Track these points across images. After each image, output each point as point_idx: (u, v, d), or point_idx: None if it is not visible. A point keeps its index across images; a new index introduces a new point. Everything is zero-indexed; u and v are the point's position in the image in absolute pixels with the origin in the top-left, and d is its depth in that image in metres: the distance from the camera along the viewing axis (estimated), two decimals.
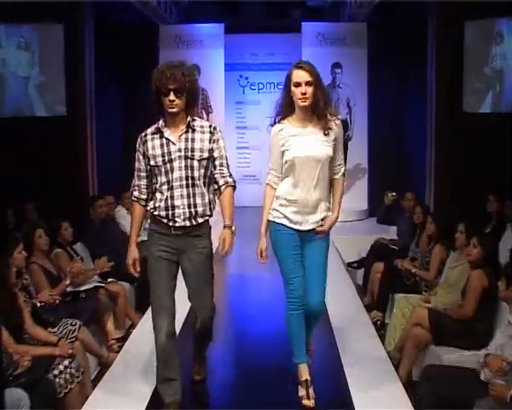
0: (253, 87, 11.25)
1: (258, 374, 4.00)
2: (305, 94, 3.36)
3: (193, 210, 3.37)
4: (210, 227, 3.51)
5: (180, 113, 3.35)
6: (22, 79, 8.00)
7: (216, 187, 3.47)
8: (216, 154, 3.43)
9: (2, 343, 3.43)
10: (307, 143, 3.42)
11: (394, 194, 7.22)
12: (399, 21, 9.52)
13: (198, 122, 3.44)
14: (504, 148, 7.29)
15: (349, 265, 6.88)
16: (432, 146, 8.68)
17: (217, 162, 3.44)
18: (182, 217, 3.36)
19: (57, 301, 4.47)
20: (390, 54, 9.85)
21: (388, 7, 8.74)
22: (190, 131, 3.39)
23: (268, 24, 10.17)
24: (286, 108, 3.47)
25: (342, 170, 3.58)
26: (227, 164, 3.49)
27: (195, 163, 3.36)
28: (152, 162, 3.38)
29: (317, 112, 3.41)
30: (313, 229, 3.49)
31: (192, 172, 3.36)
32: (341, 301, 5.39)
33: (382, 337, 4.81)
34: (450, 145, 8.18)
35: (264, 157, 13.16)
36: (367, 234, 7.82)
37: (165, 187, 3.37)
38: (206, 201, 3.41)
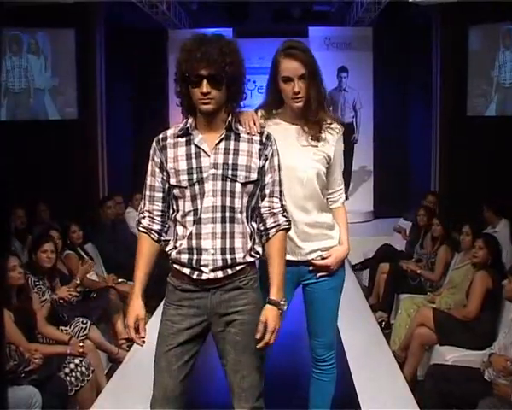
0: (260, 91, 11.23)
1: (265, 375, 4.03)
2: (298, 93, 2.53)
3: (228, 257, 2.29)
4: (257, 273, 2.40)
5: (218, 111, 2.28)
6: (35, 82, 8.10)
7: (262, 228, 2.37)
8: (268, 177, 2.35)
9: (15, 342, 3.52)
10: (288, 146, 2.56)
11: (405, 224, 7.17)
12: (404, 25, 9.57)
13: (242, 126, 2.36)
14: (508, 151, 7.32)
15: (353, 267, 6.92)
16: (436, 149, 8.71)
17: (267, 191, 2.35)
18: (211, 266, 2.28)
19: (75, 298, 4.53)
20: (395, 58, 9.88)
21: (393, 11, 8.77)
22: (233, 137, 2.32)
23: (275, 28, 10.21)
24: (272, 106, 2.67)
25: (343, 196, 2.78)
26: (280, 193, 2.38)
27: (238, 187, 2.28)
28: (173, 181, 2.31)
29: (308, 115, 2.57)
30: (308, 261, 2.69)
31: (232, 201, 2.28)
32: (347, 301, 5.42)
33: (387, 337, 4.85)
34: (455, 148, 8.21)
35: None
36: (372, 235, 7.86)
37: (190, 219, 2.29)
38: (249, 244, 2.33)
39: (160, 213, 2.39)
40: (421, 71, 9.48)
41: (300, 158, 2.59)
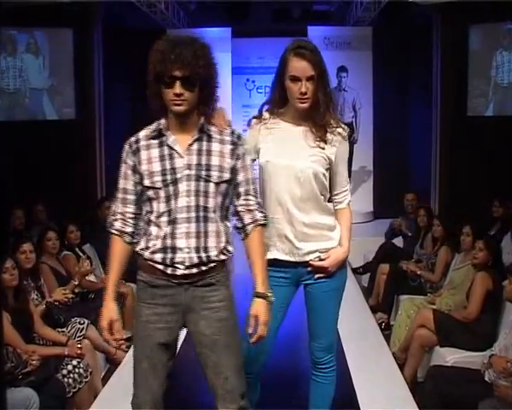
0: (259, 91, 11.29)
1: (265, 375, 4.03)
2: (305, 94, 2.51)
3: (203, 255, 2.33)
4: (228, 271, 2.48)
5: (190, 112, 2.30)
6: (33, 82, 8.09)
7: (239, 225, 2.44)
8: (241, 176, 2.40)
9: (12, 343, 3.50)
10: (291, 146, 2.60)
11: (399, 221, 7.18)
12: (404, 25, 9.56)
13: (214, 127, 2.38)
14: (508, 151, 7.31)
15: (354, 271, 6.89)
16: (437, 149, 8.70)
17: (241, 189, 2.40)
18: (187, 263, 2.32)
19: (70, 300, 4.52)
20: (395, 57, 9.88)
21: (393, 11, 8.77)
22: (205, 138, 2.35)
23: (275, 28, 10.21)
24: (276, 104, 2.66)
25: (348, 198, 2.74)
26: (254, 190, 2.44)
27: (211, 187, 2.33)
28: (147, 182, 2.33)
29: (315, 117, 2.57)
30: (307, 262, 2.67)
31: (206, 201, 2.32)
32: (347, 302, 5.41)
33: (387, 338, 4.84)
34: (455, 148, 8.21)
35: None
36: (372, 236, 7.84)
37: (164, 219, 2.32)
38: (223, 243, 2.37)
39: (132, 216, 2.42)
40: (421, 71, 9.47)
41: (299, 158, 2.58)
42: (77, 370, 3.73)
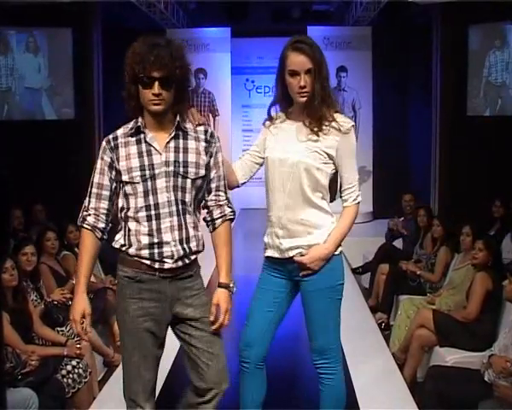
0: (259, 90, 11.31)
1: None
2: (304, 87, 2.53)
3: (186, 246, 2.43)
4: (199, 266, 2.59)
5: (167, 111, 2.40)
6: (31, 82, 8.09)
7: (209, 219, 2.56)
8: (213, 173, 2.51)
9: (11, 343, 3.49)
10: (286, 142, 2.64)
11: (396, 221, 7.19)
12: (404, 25, 9.56)
13: (190, 125, 2.49)
14: (508, 151, 7.31)
15: (353, 271, 6.89)
16: (436, 149, 8.71)
17: (213, 185, 2.52)
18: (175, 256, 2.41)
19: (69, 301, 4.52)
20: (395, 57, 9.88)
21: (393, 10, 8.78)
22: (182, 136, 2.45)
23: (274, 28, 10.22)
24: (282, 102, 2.71)
25: (353, 196, 2.65)
26: (225, 187, 2.57)
27: (188, 183, 2.43)
28: (125, 177, 2.39)
29: (309, 110, 2.57)
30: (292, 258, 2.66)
31: (183, 195, 2.42)
32: (346, 302, 5.41)
33: (387, 338, 4.84)
34: (455, 148, 8.21)
35: None
36: (372, 236, 7.85)
37: (142, 214, 2.39)
38: (199, 233, 2.50)
39: (105, 212, 2.47)
40: (420, 71, 9.48)
41: (291, 152, 2.60)
42: (76, 370, 3.72)
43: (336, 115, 2.60)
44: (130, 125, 2.45)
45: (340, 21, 10.23)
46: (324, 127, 2.58)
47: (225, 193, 2.57)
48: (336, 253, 2.64)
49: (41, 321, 4.04)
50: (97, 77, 8.55)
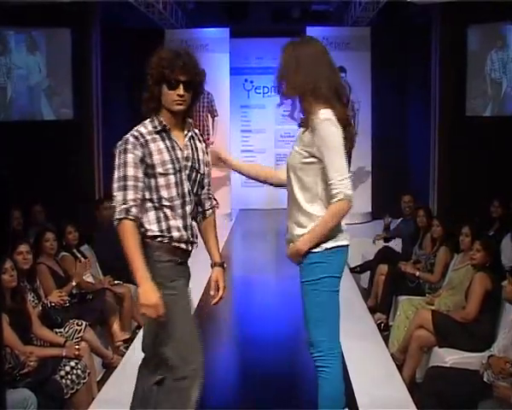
0: (257, 91, 11.30)
1: (262, 376, 4.03)
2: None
3: (195, 231, 2.84)
4: None
5: (185, 112, 2.76)
6: (30, 82, 8.09)
7: (200, 209, 2.89)
8: (207, 170, 2.89)
9: (10, 344, 3.48)
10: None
11: (390, 219, 7.20)
12: (403, 25, 9.56)
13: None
14: (507, 152, 7.31)
15: (352, 270, 6.88)
16: (435, 150, 8.72)
17: (206, 181, 2.88)
18: (195, 239, 2.81)
19: (67, 303, 4.51)
20: (393, 57, 9.88)
21: (392, 11, 8.77)
22: (193, 136, 2.82)
23: (273, 28, 10.22)
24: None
25: (333, 193, 2.64)
26: (210, 182, 2.95)
27: (199, 177, 2.81)
28: (159, 169, 2.66)
29: (301, 107, 2.75)
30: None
31: (194, 187, 2.80)
32: (345, 302, 5.41)
33: (386, 339, 4.83)
34: (454, 149, 8.21)
35: (269, 160, 13.20)
36: (371, 237, 7.83)
37: (177, 202, 2.70)
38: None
39: (140, 203, 2.67)
40: (419, 71, 9.48)
41: (289, 156, 2.80)
42: (75, 371, 3.72)
43: (319, 111, 2.63)
44: (152, 123, 2.71)
45: (339, 22, 10.22)
46: (309, 125, 2.66)
47: (211, 187, 2.94)
48: (315, 250, 2.69)
49: (39, 322, 4.03)
50: (96, 77, 8.54)
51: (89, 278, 5.20)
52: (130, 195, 2.62)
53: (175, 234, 2.69)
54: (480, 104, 8.16)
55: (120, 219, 2.61)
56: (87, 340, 4.24)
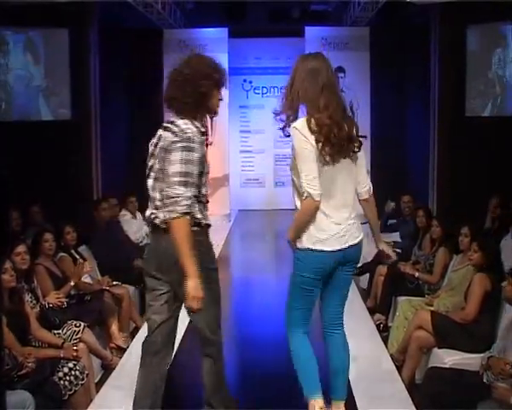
0: (256, 91, 11.29)
1: (262, 376, 4.02)
2: None
3: None
4: None
5: None
6: (28, 82, 8.07)
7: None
8: None
9: (8, 345, 3.47)
10: None
11: (394, 203, 7.23)
12: (402, 25, 9.56)
13: None
14: (507, 152, 7.31)
15: None
16: (434, 150, 8.71)
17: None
18: None
19: (65, 304, 4.50)
20: (392, 58, 9.88)
21: (391, 11, 8.77)
22: None
23: (272, 28, 10.22)
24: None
25: (301, 191, 2.96)
26: None
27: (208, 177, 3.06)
28: (207, 168, 2.94)
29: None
30: None
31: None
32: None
33: (385, 340, 4.83)
34: (453, 149, 8.21)
35: (268, 161, 13.18)
36: (370, 237, 7.83)
37: (204, 199, 2.98)
38: None
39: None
40: (419, 71, 9.48)
41: None
42: (73, 372, 3.70)
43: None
44: (195, 125, 2.89)
45: (338, 22, 10.22)
46: None
47: None
48: (298, 246, 3.03)
49: (38, 323, 4.02)
50: (94, 77, 8.52)
51: (87, 279, 5.19)
52: (191, 192, 2.80)
53: (209, 222, 2.98)
54: (480, 104, 8.16)
55: (182, 214, 2.75)
56: (85, 341, 4.22)
